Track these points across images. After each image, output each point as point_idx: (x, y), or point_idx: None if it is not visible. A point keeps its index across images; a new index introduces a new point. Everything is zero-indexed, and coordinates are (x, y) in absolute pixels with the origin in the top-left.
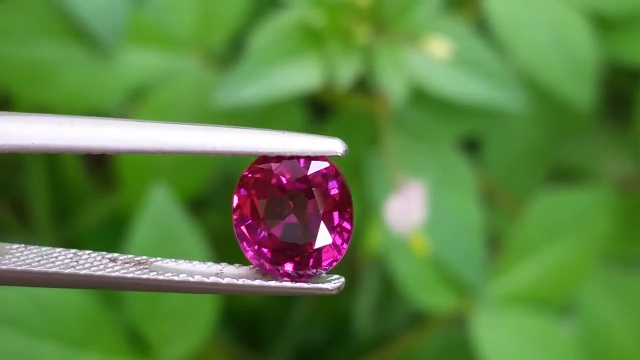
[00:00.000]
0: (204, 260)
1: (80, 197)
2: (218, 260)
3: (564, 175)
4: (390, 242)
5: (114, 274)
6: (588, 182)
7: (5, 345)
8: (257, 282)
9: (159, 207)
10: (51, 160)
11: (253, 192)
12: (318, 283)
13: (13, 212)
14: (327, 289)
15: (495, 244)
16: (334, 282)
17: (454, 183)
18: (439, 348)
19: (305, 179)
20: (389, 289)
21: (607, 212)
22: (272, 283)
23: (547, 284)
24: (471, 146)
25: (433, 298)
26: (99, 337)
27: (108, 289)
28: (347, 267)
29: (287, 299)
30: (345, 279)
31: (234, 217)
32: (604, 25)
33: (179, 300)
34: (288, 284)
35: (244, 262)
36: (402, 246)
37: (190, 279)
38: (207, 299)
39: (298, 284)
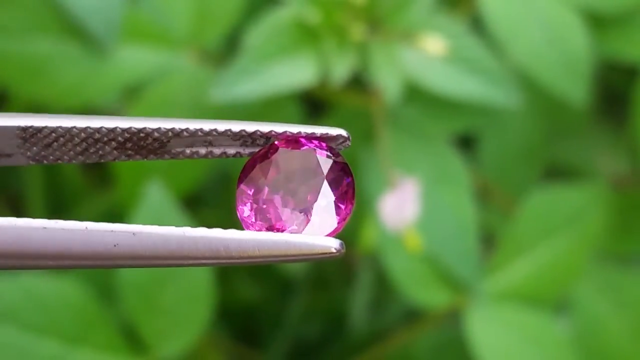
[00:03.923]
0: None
1: (76, 194)
2: None
3: (558, 172)
4: (385, 239)
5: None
6: (583, 179)
7: (2, 341)
8: (259, 236)
9: (154, 204)
10: None
11: (254, 172)
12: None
13: (9, 209)
14: (329, 248)
15: (489, 241)
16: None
17: (449, 180)
18: (434, 344)
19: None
20: (384, 286)
21: (602, 209)
22: (275, 237)
23: (542, 281)
24: (466, 143)
25: (427, 295)
26: (95, 333)
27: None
28: (342, 264)
29: (282, 295)
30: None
31: (240, 188)
32: (599, 23)
33: (175, 296)
34: (292, 239)
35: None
36: (396, 243)
37: (190, 228)
38: (202, 296)
39: (301, 240)
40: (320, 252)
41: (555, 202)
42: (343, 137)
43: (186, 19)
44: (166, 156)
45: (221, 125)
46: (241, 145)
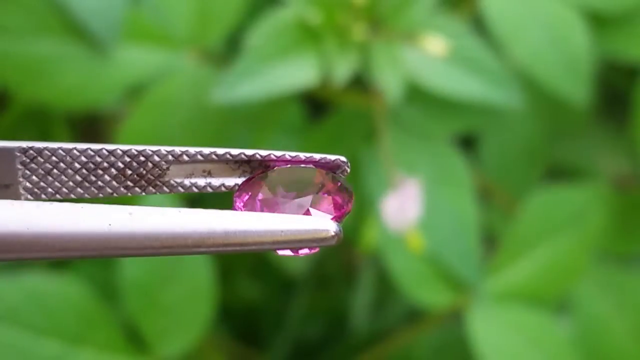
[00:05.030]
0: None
1: None
2: (216, 262)
3: (560, 172)
4: (387, 239)
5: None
6: (584, 179)
7: (4, 341)
8: (257, 214)
9: (155, 203)
10: None
11: (252, 182)
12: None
13: None
14: (327, 232)
15: (491, 241)
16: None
17: (450, 180)
18: (435, 344)
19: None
20: (385, 286)
21: (603, 209)
22: (272, 215)
23: (543, 281)
24: (467, 143)
25: (429, 295)
26: (96, 333)
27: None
28: (344, 264)
29: (284, 295)
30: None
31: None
32: (600, 23)
33: (176, 296)
34: (288, 216)
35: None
36: (398, 243)
37: (185, 208)
38: (204, 296)
39: (298, 219)
40: (317, 235)
41: (556, 202)
42: (342, 162)
43: (188, 20)
44: (165, 189)
45: (220, 149)
46: (240, 176)
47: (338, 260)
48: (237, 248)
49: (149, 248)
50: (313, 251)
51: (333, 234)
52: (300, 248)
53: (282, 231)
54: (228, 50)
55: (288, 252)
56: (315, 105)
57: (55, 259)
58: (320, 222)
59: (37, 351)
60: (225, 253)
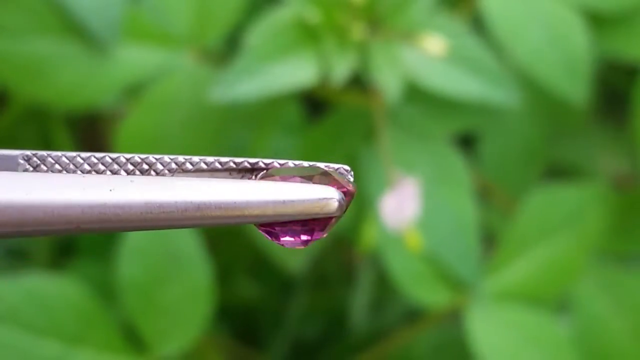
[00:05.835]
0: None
1: None
2: (214, 262)
3: (559, 172)
4: (385, 238)
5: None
6: (583, 179)
7: (3, 341)
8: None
9: None
10: None
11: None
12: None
13: None
14: (331, 200)
15: (489, 240)
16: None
17: (449, 179)
18: (434, 344)
19: None
20: (384, 286)
21: (602, 208)
22: (276, 189)
23: (542, 280)
24: (466, 143)
25: (428, 294)
26: (95, 333)
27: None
28: (343, 263)
29: (283, 294)
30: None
31: None
32: (599, 22)
33: (174, 296)
34: (289, 184)
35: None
36: (397, 243)
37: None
38: (202, 295)
39: (302, 195)
40: (321, 204)
41: (555, 202)
42: (345, 171)
43: (187, 19)
44: None
45: (224, 158)
46: None
47: (337, 260)
48: (239, 219)
49: (149, 220)
50: (316, 237)
51: (337, 203)
52: (304, 225)
53: (284, 201)
54: (227, 49)
55: (289, 238)
56: (314, 104)
57: (56, 232)
58: (324, 190)
59: (36, 351)
60: (225, 225)
